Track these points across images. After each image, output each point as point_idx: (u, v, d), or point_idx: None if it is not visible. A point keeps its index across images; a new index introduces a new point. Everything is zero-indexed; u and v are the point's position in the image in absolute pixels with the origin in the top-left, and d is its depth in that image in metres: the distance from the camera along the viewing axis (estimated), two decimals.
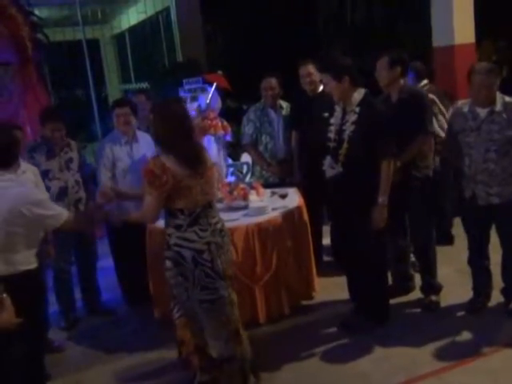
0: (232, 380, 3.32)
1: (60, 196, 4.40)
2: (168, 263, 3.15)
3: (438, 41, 7.52)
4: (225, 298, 3.23)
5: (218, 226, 3.24)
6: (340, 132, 3.91)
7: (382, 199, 3.78)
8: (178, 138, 3.08)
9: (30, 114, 5.43)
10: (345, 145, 3.84)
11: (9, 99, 5.62)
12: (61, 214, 3.10)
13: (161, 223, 3.78)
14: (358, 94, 3.83)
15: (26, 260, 3.05)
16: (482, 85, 3.75)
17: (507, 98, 3.83)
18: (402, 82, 4.18)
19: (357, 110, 3.82)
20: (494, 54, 15.29)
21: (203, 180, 3.13)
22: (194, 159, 3.11)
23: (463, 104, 4.02)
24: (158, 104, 3.42)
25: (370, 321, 4.07)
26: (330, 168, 3.96)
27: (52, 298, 4.45)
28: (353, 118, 3.83)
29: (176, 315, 3.28)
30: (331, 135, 3.98)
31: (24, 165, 3.94)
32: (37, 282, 3.18)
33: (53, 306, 4.48)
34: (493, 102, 3.80)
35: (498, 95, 3.83)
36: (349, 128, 3.83)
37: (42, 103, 5.71)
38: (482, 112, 3.83)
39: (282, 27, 11.45)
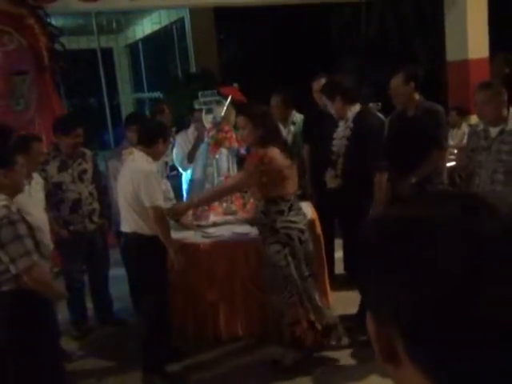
0: (340, 342, 3.77)
1: (74, 208, 4.42)
2: (276, 247, 3.54)
3: (452, 55, 7.52)
4: (315, 275, 3.76)
5: (302, 212, 3.73)
6: (339, 147, 4.08)
7: (377, 210, 3.83)
8: (276, 133, 3.59)
9: (45, 124, 5.47)
10: (341, 160, 4.02)
11: (25, 108, 5.66)
12: (157, 199, 3.53)
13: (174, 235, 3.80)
14: (353, 111, 4.00)
15: (139, 226, 3.60)
16: (481, 101, 3.66)
17: None
18: (417, 97, 4.19)
19: (351, 125, 3.99)
20: (506, 67, 15.26)
21: (293, 172, 3.59)
22: (289, 152, 3.60)
23: (479, 122, 3.98)
24: (250, 107, 3.83)
25: None
26: (330, 180, 4.08)
27: (63, 307, 4.46)
28: (347, 133, 4.00)
29: (287, 296, 3.61)
30: (334, 149, 4.11)
31: (36, 177, 3.99)
32: (154, 247, 3.60)
33: (64, 315, 4.49)
34: (505, 120, 3.66)
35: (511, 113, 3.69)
36: (344, 143, 4.01)
37: (57, 113, 5.74)
38: (494, 131, 3.72)
39: (296, 39, 11.48)
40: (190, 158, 5.11)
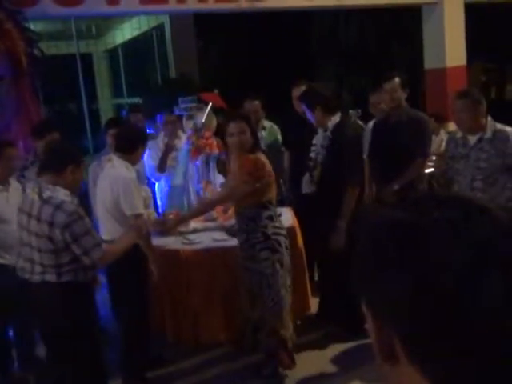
0: None
1: None
2: (266, 253, 3.48)
3: (429, 63, 7.63)
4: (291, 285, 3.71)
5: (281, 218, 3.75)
6: (317, 154, 4.10)
7: (341, 224, 3.88)
8: (257, 139, 3.63)
9: (23, 130, 5.40)
10: (318, 167, 4.05)
11: (2, 114, 5.58)
12: (137, 208, 3.49)
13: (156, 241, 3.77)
14: (333, 121, 4.02)
15: (119, 233, 3.48)
16: (459, 109, 3.70)
17: (498, 126, 3.72)
18: (404, 104, 4.25)
19: (330, 135, 4.01)
20: (482, 75, 15.56)
21: (273, 177, 3.58)
22: (268, 157, 3.60)
23: (458, 129, 4.02)
24: (242, 113, 3.89)
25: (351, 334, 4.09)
26: (306, 185, 4.11)
27: None
28: (325, 143, 4.03)
29: (270, 304, 3.55)
30: (312, 155, 4.15)
31: (14, 183, 3.94)
32: (134, 255, 3.50)
33: None
34: (483, 128, 3.70)
35: (490, 122, 3.72)
36: (322, 152, 4.04)
37: (34, 118, 5.67)
38: (472, 139, 3.75)
39: (276, 47, 11.54)
40: (161, 167, 4.91)
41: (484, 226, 0.61)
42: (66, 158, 3.10)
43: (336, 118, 4.03)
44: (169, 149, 4.84)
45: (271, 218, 3.51)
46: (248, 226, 3.53)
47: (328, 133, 4.03)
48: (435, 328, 0.59)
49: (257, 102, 5.12)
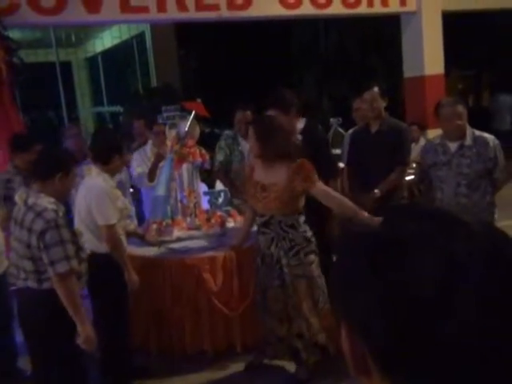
0: None
1: None
2: (312, 257, 3.60)
3: (408, 71, 7.73)
4: None
5: None
6: None
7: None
8: None
9: (4, 138, 5.33)
10: None
11: None
12: (110, 218, 3.47)
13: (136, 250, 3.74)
14: (300, 124, 4.17)
15: (94, 244, 3.50)
16: (452, 115, 3.80)
17: (477, 132, 3.88)
18: (384, 113, 4.31)
19: (299, 137, 4.10)
20: (460, 83, 15.80)
21: None
22: None
23: (435, 138, 4.11)
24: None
25: None
26: None
27: None
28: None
29: (321, 306, 3.64)
30: None
31: None
32: (110, 265, 3.54)
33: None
34: (463, 135, 3.83)
35: (469, 129, 3.87)
36: None
37: (15, 127, 5.61)
38: (453, 146, 3.86)
39: (257, 54, 11.59)
40: (151, 176, 4.93)
41: (459, 241, 0.60)
42: (53, 166, 3.08)
43: (302, 121, 4.19)
44: (159, 158, 4.84)
45: (305, 223, 3.60)
46: (289, 233, 3.56)
47: (297, 135, 4.10)
48: (405, 345, 0.59)
49: (248, 113, 5.15)
